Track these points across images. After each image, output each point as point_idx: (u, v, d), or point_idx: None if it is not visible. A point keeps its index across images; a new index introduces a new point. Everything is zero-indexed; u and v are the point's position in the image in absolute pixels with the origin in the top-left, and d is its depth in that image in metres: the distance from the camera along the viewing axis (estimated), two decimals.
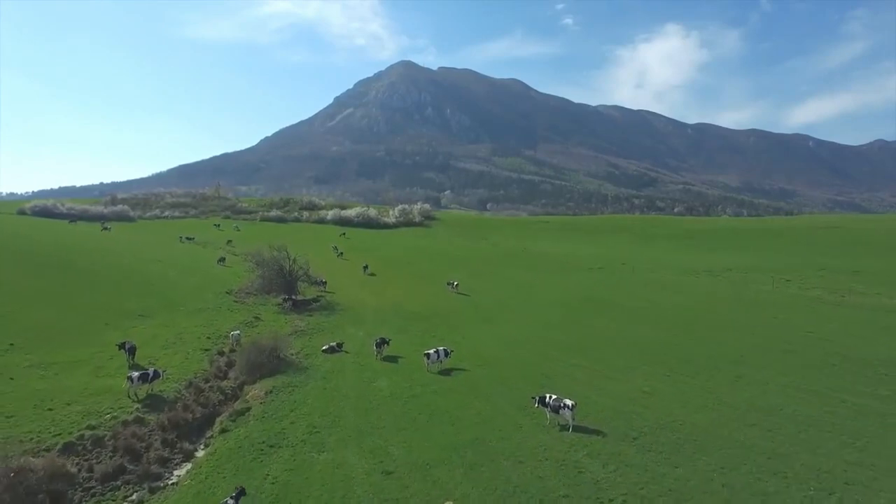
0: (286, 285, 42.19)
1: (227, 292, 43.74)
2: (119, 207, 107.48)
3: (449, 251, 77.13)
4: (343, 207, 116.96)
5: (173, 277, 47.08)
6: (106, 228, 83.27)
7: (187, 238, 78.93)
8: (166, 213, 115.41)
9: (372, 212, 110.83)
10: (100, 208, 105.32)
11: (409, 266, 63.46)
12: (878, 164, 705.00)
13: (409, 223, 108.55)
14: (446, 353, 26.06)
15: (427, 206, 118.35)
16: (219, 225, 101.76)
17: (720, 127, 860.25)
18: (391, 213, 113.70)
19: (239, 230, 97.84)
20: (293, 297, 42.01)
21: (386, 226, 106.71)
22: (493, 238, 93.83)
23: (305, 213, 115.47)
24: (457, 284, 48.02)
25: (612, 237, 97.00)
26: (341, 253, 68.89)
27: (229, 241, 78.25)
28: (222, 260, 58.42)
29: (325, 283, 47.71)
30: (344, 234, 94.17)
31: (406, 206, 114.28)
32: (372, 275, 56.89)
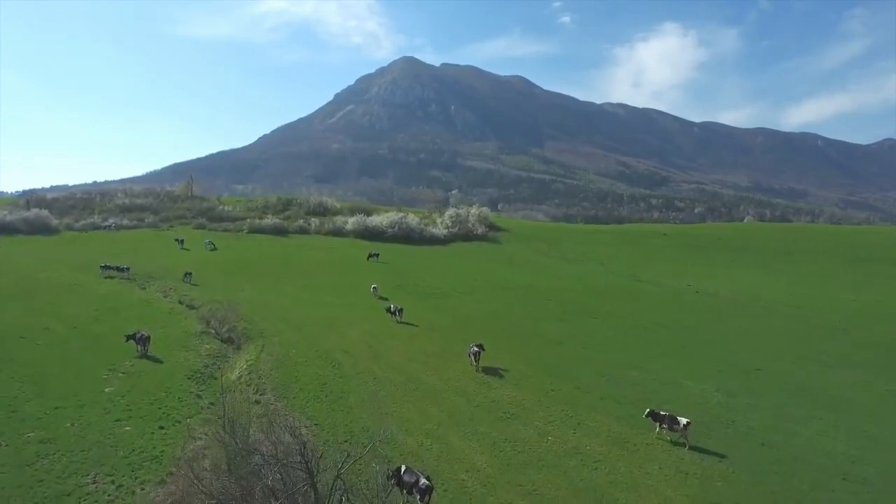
0: None
1: None
2: (34, 213, 72.25)
3: (571, 296, 43.57)
4: (367, 212, 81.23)
5: None
6: None
7: (117, 269, 45.81)
8: (110, 222, 78.82)
9: (412, 219, 75.90)
10: (2, 214, 70.60)
11: (529, 346, 30.28)
12: (887, 163, 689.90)
13: (466, 236, 74.40)
14: None
15: (486, 209, 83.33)
16: (182, 241, 66.87)
17: (726, 125, 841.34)
18: (439, 221, 79.01)
19: (214, 248, 64.00)
20: None
21: (433, 239, 73.03)
22: (613, 265, 59.92)
23: (314, 221, 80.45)
24: (686, 427, 16.34)
25: (781, 259, 64.50)
26: (399, 310, 33.82)
27: (187, 274, 45.09)
28: (141, 342, 24.84)
29: (431, 488, 14.42)
30: (377, 255, 59.82)
31: (459, 211, 79.42)
32: (484, 372, 24.03)
